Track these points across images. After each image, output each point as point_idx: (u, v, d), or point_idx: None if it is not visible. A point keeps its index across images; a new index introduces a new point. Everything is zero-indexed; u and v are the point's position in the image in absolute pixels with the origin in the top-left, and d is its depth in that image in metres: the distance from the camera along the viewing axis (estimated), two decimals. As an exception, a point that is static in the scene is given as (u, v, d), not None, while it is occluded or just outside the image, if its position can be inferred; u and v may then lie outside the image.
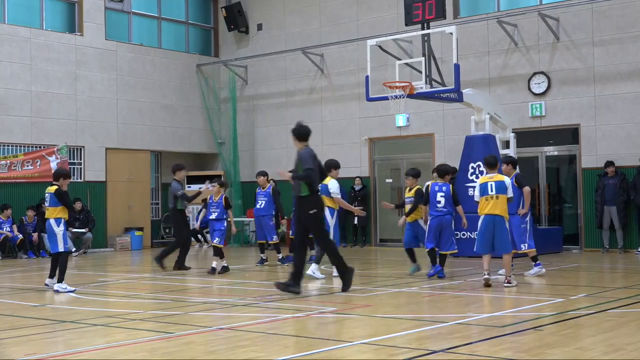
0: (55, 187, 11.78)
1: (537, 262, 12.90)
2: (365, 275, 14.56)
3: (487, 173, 11.90)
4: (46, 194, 11.91)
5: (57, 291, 11.60)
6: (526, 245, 12.81)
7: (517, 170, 13.38)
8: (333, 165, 13.46)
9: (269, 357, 6.77)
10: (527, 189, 12.75)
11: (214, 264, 14.32)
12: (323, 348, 7.14)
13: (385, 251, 20.06)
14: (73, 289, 11.67)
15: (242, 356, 6.86)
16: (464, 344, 7.20)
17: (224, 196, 14.77)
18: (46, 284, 12.16)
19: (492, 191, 11.60)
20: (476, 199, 11.82)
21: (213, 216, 14.69)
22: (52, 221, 11.76)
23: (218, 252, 14.34)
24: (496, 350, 6.91)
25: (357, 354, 6.91)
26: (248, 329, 8.22)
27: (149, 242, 22.83)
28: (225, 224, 14.71)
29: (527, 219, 12.83)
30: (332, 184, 13.19)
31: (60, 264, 11.76)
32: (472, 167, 17.03)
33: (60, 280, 11.73)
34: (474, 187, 16.29)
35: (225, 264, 14.39)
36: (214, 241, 14.55)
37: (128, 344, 7.53)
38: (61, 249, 11.74)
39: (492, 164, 11.83)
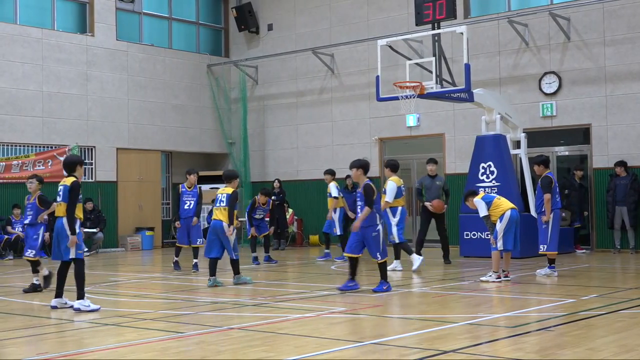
0: (72, 179, 9.80)
1: (553, 265, 12.91)
2: (375, 275, 14.56)
3: (476, 195, 12.64)
4: (60, 187, 9.82)
5: (78, 309, 9.51)
6: (545, 247, 12.86)
7: (549, 169, 13.31)
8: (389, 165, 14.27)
9: (279, 357, 6.78)
10: (547, 196, 12.77)
11: (35, 280, 11.87)
12: (333, 348, 7.14)
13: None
14: (98, 306, 9.69)
15: (252, 356, 6.87)
16: (475, 344, 7.19)
17: (39, 195, 11.92)
18: (53, 306, 9.86)
19: (496, 193, 12.33)
20: (484, 213, 12.32)
21: (27, 220, 12.01)
22: (65, 220, 9.72)
23: (34, 265, 11.82)
24: (507, 351, 6.90)
25: (367, 354, 6.91)
26: (258, 329, 8.23)
27: (160, 242, 22.89)
28: (41, 231, 11.96)
29: (549, 221, 12.84)
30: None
31: (77, 274, 9.61)
32: (483, 167, 16.99)
33: (82, 296, 9.59)
34: (484, 188, 16.40)
35: (37, 282, 11.83)
36: (26, 254, 11.92)
37: (139, 343, 7.56)
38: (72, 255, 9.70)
39: (474, 192, 12.85)
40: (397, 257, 14.33)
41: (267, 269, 15.50)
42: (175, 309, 10.17)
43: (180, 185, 15.29)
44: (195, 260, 14.91)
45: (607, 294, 10.75)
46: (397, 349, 7.07)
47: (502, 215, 12.18)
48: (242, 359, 6.82)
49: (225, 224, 12.18)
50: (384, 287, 11.13)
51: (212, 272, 12.20)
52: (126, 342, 7.66)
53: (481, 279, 12.31)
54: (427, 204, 15.37)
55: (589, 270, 14.42)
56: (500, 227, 12.18)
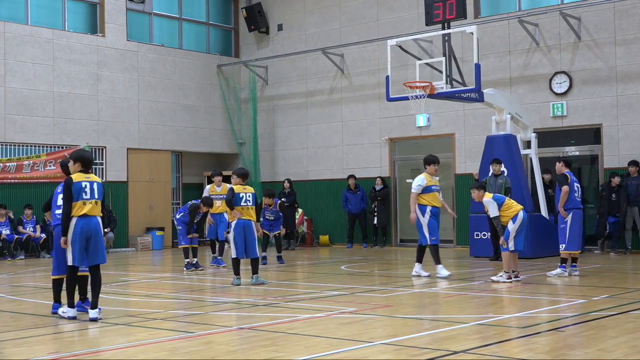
0: (97, 177, 9.33)
1: (563, 264, 12.90)
2: (385, 275, 14.56)
3: (483, 193, 12.53)
4: (86, 184, 9.04)
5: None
6: (563, 246, 12.89)
7: (568, 169, 13.27)
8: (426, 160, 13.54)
9: (289, 357, 6.79)
10: (564, 189, 12.85)
11: None
12: (343, 348, 7.14)
13: (405, 251, 20.02)
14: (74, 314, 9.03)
15: (262, 356, 6.87)
16: (485, 344, 7.18)
17: None
18: (94, 318, 8.88)
19: (507, 194, 12.93)
20: (496, 213, 12.30)
21: None
22: (98, 220, 9.13)
23: None
24: (517, 352, 6.88)
25: (378, 355, 6.91)
26: (268, 329, 8.23)
27: (170, 242, 22.94)
28: None
29: (567, 220, 12.83)
30: (416, 179, 13.30)
31: (97, 281, 9.09)
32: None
33: (73, 305, 9.08)
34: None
35: None
36: None
37: (149, 343, 7.58)
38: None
39: (485, 188, 12.91)
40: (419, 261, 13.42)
41: (277, 269, 15.51)
42: (185, 308, 10.19)
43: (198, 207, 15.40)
44: (195, 259, 15.23)
45: (618, 294, 10.72)
46: (407, 349, 7.06)
47: (515, 216, 12.23)
48: (251, 359, 6.83)
49: (255, 223, 12.42)
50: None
51: (255, 270, 12.49)
52: (136, 341, 7.68)
53: (492, 279, 12.31)
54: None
55: (600, 271, 14.36)
56: (513, 227, 12.22)
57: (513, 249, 12.25)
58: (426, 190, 13.12)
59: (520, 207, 12.44)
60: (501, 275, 12.24)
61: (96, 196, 9.02)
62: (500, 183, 15.75)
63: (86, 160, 9.22)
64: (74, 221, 8.90)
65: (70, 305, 9.08)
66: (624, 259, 16.52)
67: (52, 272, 9.57)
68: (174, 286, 13.23)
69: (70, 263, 9.00)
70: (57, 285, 9.50)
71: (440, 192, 13.43)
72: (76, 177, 9.01)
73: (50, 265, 17.30)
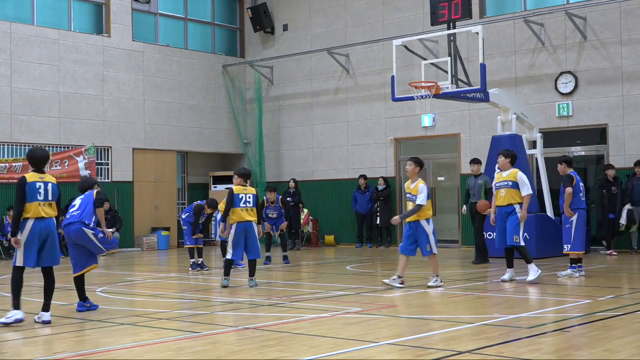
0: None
1: (573, 265, 12.85)
2: (390, 275, 14.54)
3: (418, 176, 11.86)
4: (40, 184, 8.78)
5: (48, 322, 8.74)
6: (568, 246, 12.81)
7: (572, 169, 13.15)
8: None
9: (294, 357, 6.79)
10: (568, 190, 12.73)
11: None
12: (349, 348, 7.14)
13: (410, 251, 19.98)
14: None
15: (268, 356, 6.88)
16: (491, 344, 7.17)
17: None
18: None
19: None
20: (424, 202, 11.54)
21: None
22: (54, 221, 9.00)
23: None
24: (523, 352, 6.87)
25: (383, 355, 6.91)
26: (274, 329, 8.24)
27: (176, 242, 22.96)
28: None
29: (572, 220, 12.78)
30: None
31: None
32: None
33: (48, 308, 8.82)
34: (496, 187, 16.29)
35: None
36: None
37: (155, 343, 7.59)
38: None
39: (421, 164, 12.24)
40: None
41: (282, 269, 15.52)
42: (190, 308, 10.20)
43: (202, 206, 15.34)
44: (201, 259, 15.17)
45: (623, 294, 10.70)
46: (412, 349, 7.06)
47: (429, 219, 11.65)
48: (257, 359, 6.83)
49: (256, 225, 12.10)
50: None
51: (253, 272, 12.18)
52: (142, 341, 7.69)
53: (502, 278, 12.23)
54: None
55: (606, 271, 14.34)
56: (430, 230, 11.60)
57: (435, 252, 11.70)
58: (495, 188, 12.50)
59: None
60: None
61: (50, 197, 8.75)
62: (480, 184, 15.65)
63: (36, 159, 8.89)
64: (30, 223, 8.63)
65: (16, 306, 8.62)
66: (629, 259, 16.48)
67: (73, 270, 9.63)
68: (179, 286, 13.25)
69: (19, 264, 8.69)
70: (79, 284, 9.59)
71: (504, 188, 12.36)
72: (30, 176, 8.73)
73: (56, 265, 17.26)
